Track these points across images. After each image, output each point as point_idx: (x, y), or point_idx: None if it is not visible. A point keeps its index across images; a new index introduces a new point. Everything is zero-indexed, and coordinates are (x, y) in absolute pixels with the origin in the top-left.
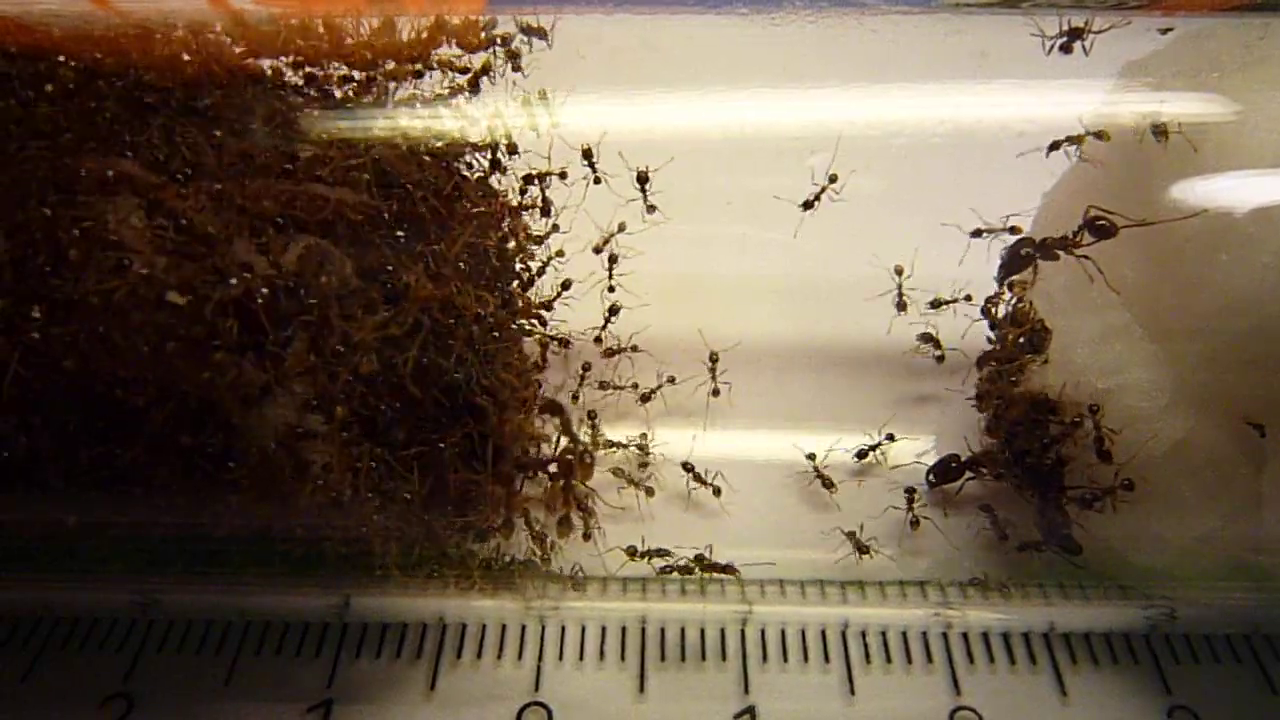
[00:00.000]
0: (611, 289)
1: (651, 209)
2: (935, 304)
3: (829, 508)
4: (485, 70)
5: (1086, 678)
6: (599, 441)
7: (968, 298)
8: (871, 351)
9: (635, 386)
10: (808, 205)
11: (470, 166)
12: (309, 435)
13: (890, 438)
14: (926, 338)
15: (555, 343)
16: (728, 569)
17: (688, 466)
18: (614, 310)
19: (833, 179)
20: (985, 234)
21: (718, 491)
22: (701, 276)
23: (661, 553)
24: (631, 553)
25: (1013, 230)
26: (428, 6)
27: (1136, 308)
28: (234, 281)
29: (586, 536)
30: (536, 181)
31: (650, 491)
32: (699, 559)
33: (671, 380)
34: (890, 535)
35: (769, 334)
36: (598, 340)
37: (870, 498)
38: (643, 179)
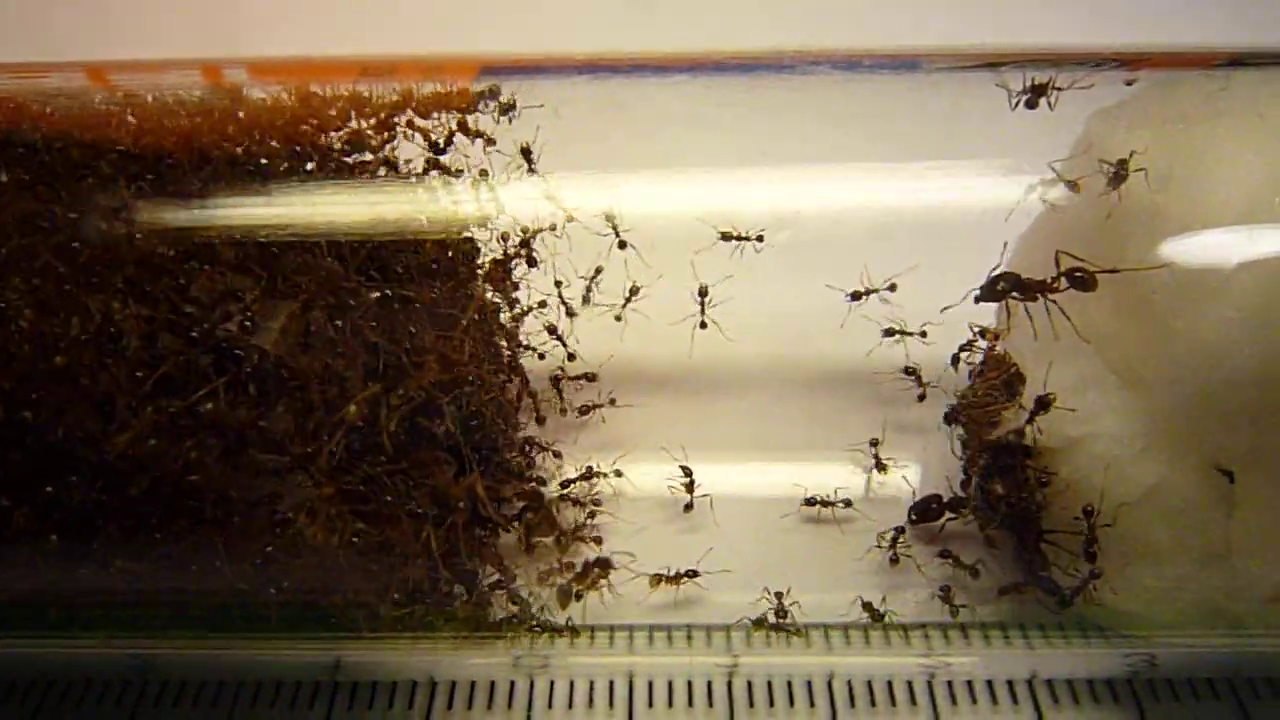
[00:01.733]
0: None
1: (623, 245)
2: (889, 333)
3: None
4: (489, 140)
5: (1068, 717)
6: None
7: (923, 333)
8: (853, 387)
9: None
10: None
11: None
12: (292, 497)
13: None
14: (909, 371)
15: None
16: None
17: (687, 471)
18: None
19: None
20: (865, 294)
21: (689, 507)
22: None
23: (692, 574)
24: (656, 581)
25: (891, 288)
26: (420, 76)
27: (1108, 356)
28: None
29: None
30: (527, 240)
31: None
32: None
33: (612, 402)
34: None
35: (747, 369)
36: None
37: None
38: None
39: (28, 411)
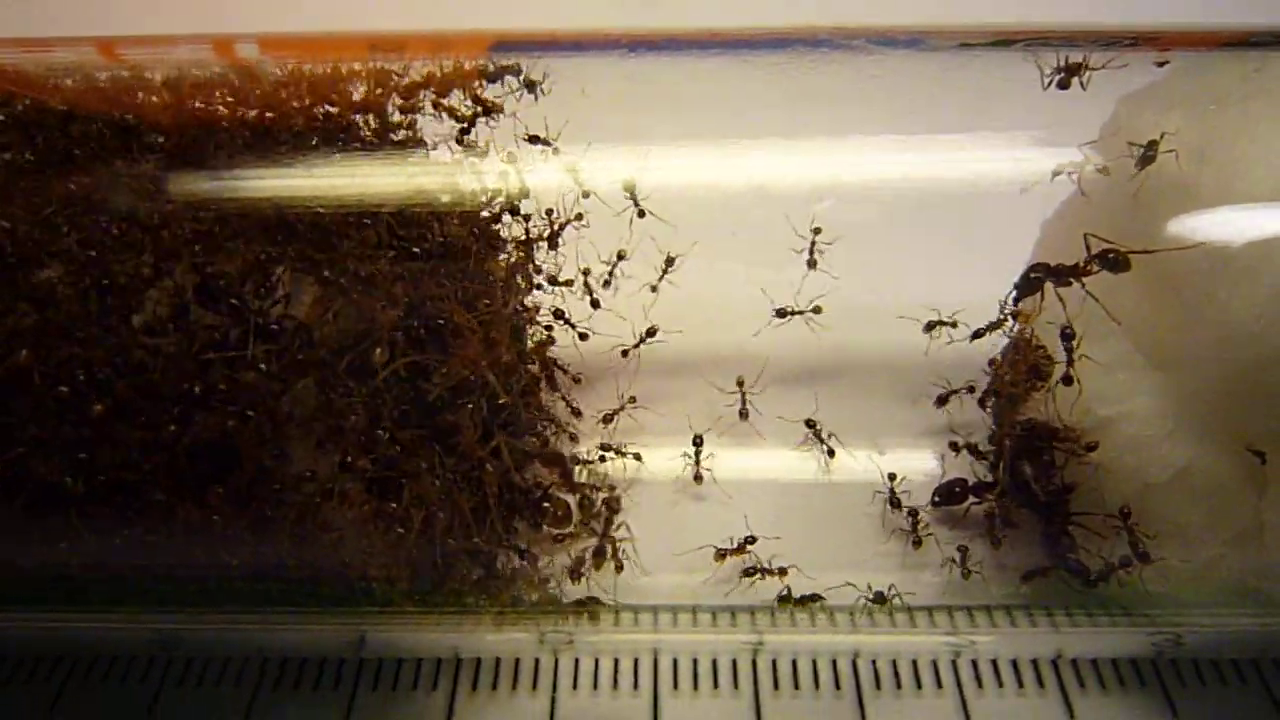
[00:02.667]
0: (653, 289)
1: (642, 214)
2: (930, 326)
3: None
4: (489, 109)
5: (1095, 701)
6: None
7: (953, 324)
8: (882, 372)
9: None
10: (812, 264)
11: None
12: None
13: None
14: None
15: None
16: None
17: (697, 441)
18: (650, 333)
19: (817, 231)
20: (936, 325)
21: (698, 478)
22: (705, 304)
23: (750, 540)
24: (721, 556)
25: (816, 310)
26: (429, 52)
27: (1138, 337)
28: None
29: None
30: (553, 225)
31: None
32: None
33: (632, 400)
34: (896, 558)
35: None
36: (625, 354)
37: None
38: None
39: (64, 386)
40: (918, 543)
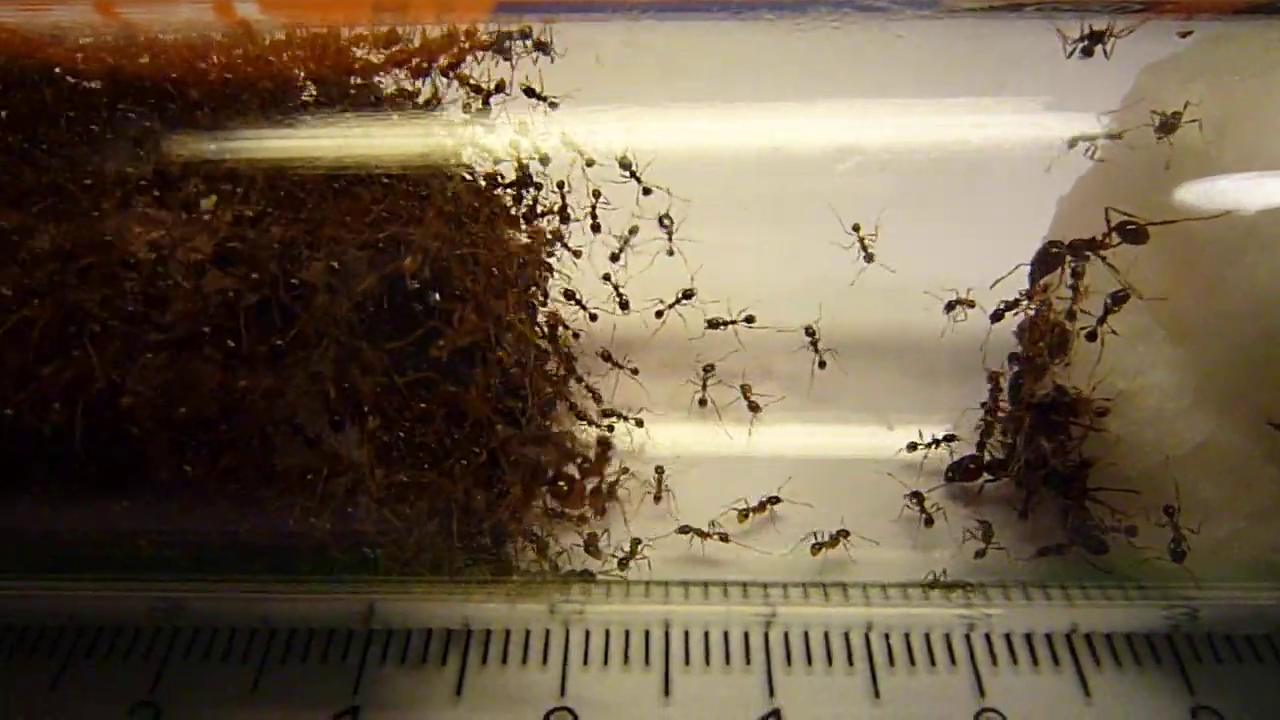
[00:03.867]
0: (615, 257)
1: (647, 191)
2: (950, 306)
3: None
4: (500, 88)
5: (1109, 678)
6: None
7: (970, 304)
8: (896, 348)
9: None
10: (869, 258)
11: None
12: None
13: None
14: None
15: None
16: None
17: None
18: (688, 294)
19: (856, 228)
20: (956, 305)
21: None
22: (720, 277)
23: (774, 500)
24: (743, 516)
25: (749, 320)
26: (433, 13)
27: (1158, 310)
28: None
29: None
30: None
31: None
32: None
33: (635, 371)
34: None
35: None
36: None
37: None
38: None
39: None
40: (929, 521)
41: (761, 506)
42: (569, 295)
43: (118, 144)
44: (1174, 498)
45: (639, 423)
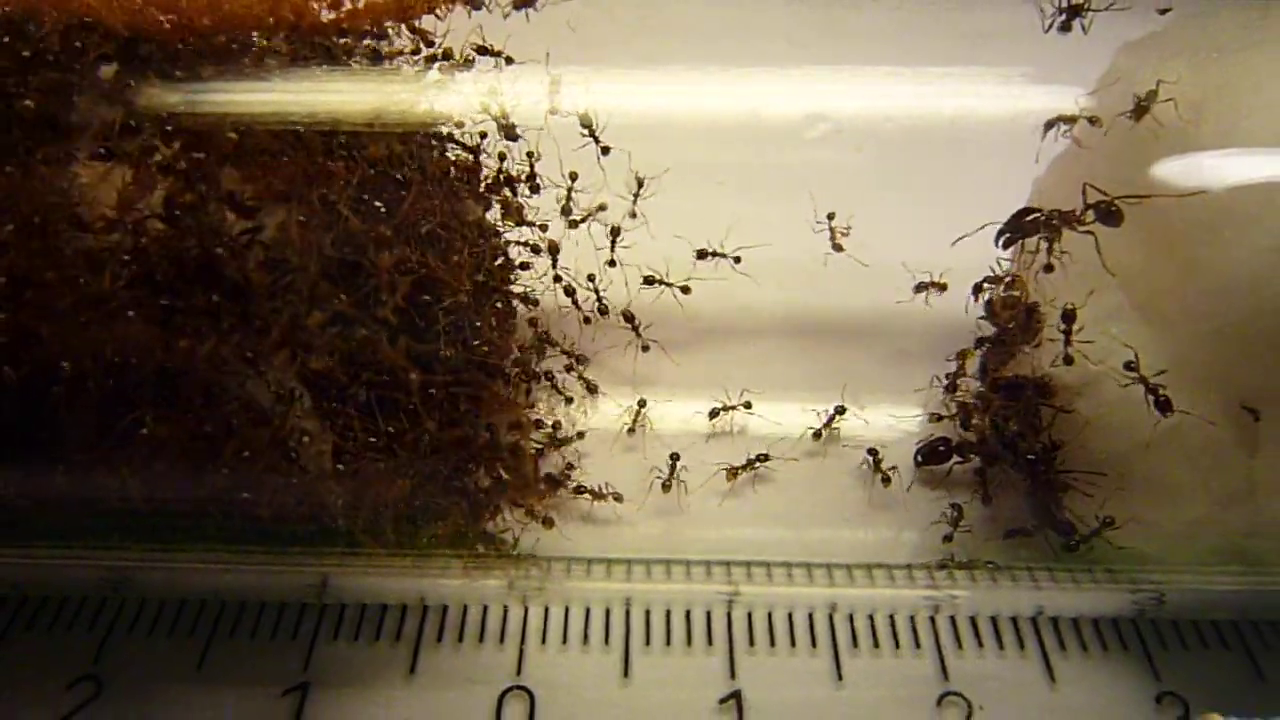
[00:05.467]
0: (612, 263)
1: (606, 151)
2: (920, 287)
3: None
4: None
5: (1075, 664)
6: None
7: (942, 287)
8: (865, 328)
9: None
10: (837, 248)
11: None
12: (287, 406)
13: (840, 410)
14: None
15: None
16: None
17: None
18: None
19: (831, 217)
20: (923, 288)
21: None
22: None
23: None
24: (734, 472)
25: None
26: None
27: (1132, 290)
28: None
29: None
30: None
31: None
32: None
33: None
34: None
35: (762, 308)
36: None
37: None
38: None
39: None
40: (886, 480)
41: (749, 465)
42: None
43: (71, 94)
44: (1144, 482)
45: (594, 388)
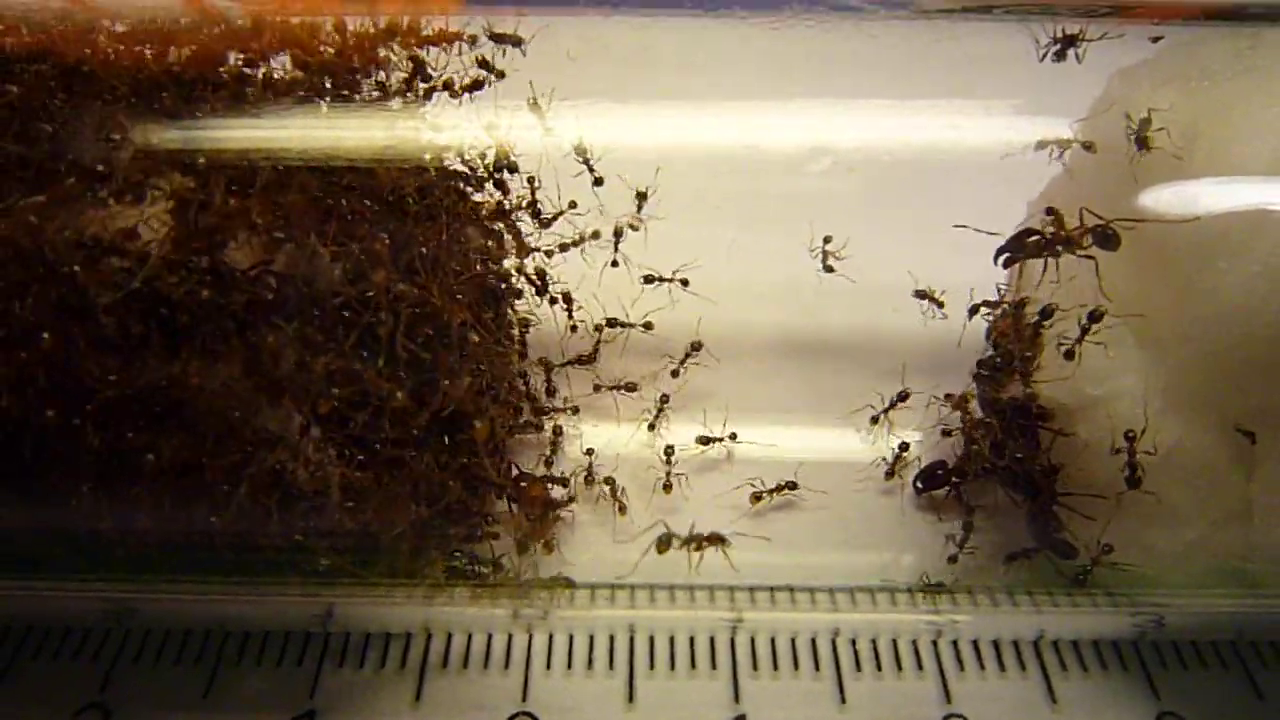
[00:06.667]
0: (614, 264)
1: (599, 182)
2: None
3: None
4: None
5: (1076, 685)
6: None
7: (940, 304)
8: (860, 350)
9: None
10: (828, 269)
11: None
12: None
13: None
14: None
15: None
16: None
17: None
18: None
19: (827, 240)
20: (923, 296)
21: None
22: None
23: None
24: (757, 497)
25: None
26: (404, 7)
27: (1127, 314)
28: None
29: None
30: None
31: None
32: None
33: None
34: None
35: (757, 333)
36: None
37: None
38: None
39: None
40: (890, 474)
41: (779, 489)
42: (547, 295)
43: (75, 132)
44: (1143, 505)
45: (575, 410)
